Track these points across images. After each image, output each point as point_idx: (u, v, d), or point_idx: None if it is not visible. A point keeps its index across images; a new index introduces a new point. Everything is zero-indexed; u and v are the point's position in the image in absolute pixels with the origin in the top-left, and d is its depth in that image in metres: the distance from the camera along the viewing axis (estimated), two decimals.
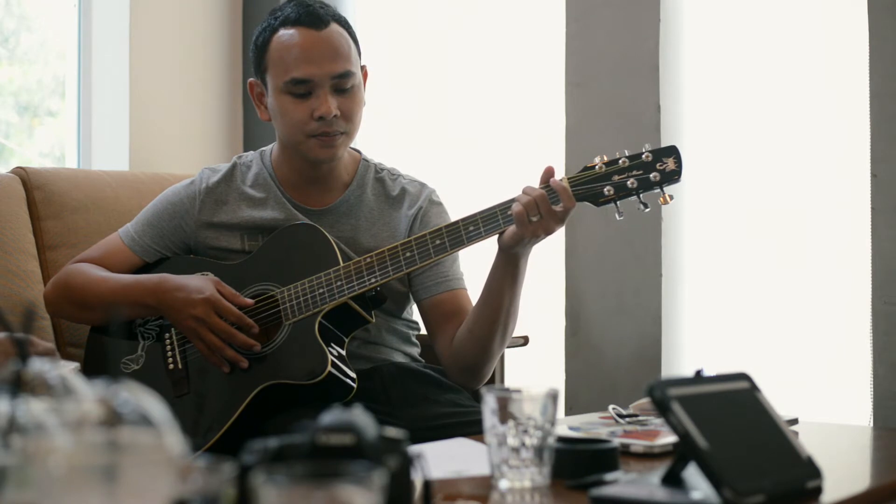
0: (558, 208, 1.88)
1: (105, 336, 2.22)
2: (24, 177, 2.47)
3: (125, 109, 3.28)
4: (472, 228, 1.95)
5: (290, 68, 2.05)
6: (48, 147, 3.34)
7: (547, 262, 2.95)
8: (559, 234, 2.91)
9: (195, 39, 3.50)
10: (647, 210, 1.92)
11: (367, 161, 2.23)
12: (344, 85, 2.07)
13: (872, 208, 2.49)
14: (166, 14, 3.42)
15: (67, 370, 1.65)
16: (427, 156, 3.30)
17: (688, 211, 2.81)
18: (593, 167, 1.92)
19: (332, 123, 2.06)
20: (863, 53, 2.51)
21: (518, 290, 2.02)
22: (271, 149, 2.23)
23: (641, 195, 1.91)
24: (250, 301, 2.04)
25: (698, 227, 2.82)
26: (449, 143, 3.30)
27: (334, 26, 2.08)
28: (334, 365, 1.95)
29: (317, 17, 2.06)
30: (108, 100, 3.25)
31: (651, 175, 1.89)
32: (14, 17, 3.25)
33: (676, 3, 2.83)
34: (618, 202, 1.91)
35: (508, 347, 2.38)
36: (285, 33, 2.07)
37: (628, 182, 1.89)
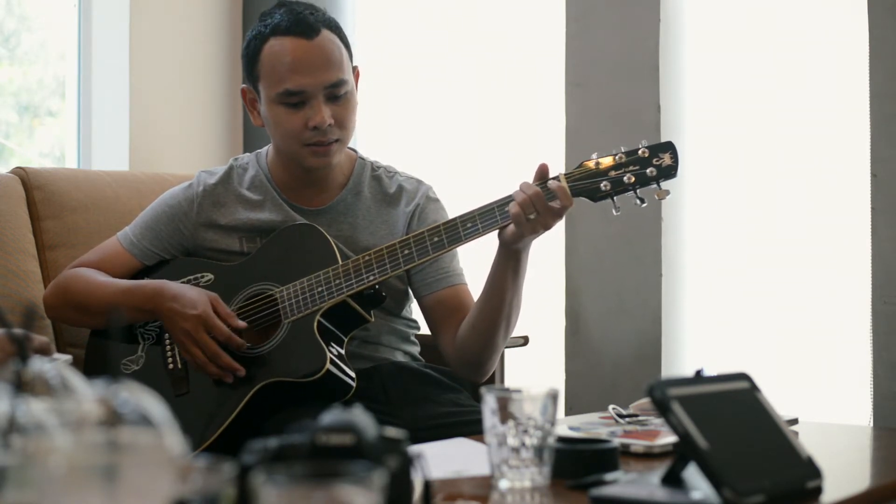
0: (555, 205, 1.88)
1: (105, 338, 2.22)
2: (24, 177, 2.47)
3: (125, 109, 3.28)
4: (469, 225, 1.96)
5: (282, 79, 2.04)
6: (48, 147, 3.34)
7: (547, 261, 2.95)
8: (560, 235, 2.93)
9: (195, 40, 3.49)
10: (644, 205, 1.92)
11: (363, 160, 2.23)
12: (337, 93, 2.06)
13: (872, 208, 2.49)
14: (166, 14, 3.42)
15: (61, 361, 1.65)
16: (427, 156, 3.30)
17: (688, 210, 2.81)
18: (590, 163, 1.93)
19: (327, 132, 2.06)
20: (863, 53, 2.51)
21: (520, 283, 2.02)
22: (267, 150, 2.23)
23: (638, 190, 1.91)
24: (244, 324, 2.04)
25: (698, 227, 2.82)
26: (449, 142, 3.30)
27: (325, 33, 2.06)
28: (333, 363, 1.95)
29: (307, 26, 2.04)
30: (108, 100, 3.25)
31: (647, 170, 1.89)
32: (14, 17, 3.25)
33: (676, 3, 2.83)
34: (615, 197, 1.91)
35: (508, 347, 2.38)
36: (276, 42, 2.05)
37: (625, 177, 1.89)
